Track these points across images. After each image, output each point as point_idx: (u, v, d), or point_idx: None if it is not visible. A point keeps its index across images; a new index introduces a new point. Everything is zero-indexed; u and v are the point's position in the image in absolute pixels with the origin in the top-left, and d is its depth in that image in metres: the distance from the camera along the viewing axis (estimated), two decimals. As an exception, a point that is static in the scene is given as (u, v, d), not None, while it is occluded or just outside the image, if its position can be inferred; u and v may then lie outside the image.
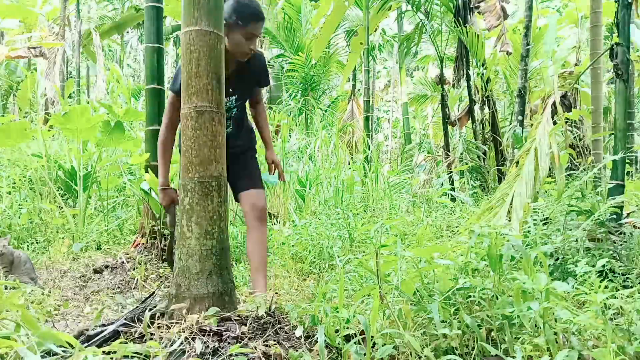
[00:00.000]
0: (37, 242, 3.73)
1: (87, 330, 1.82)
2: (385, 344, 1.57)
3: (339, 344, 1.63)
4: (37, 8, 9.91)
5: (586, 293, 1.56)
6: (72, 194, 4.53)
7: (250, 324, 1.84)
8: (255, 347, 1.64)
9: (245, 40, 2.23)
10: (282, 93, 11.07)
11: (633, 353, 1.45)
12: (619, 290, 1.91)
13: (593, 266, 1.86)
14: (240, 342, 1.72)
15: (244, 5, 2.22)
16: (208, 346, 1.65)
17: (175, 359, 1.60)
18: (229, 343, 1.69)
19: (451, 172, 7.07)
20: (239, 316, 1.86)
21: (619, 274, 2.24)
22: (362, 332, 1.60)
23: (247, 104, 2.57)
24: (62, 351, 1.46)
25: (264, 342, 1.71)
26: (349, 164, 6.74)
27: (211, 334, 1.72)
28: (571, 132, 6.83)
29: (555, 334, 1.51)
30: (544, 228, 2.82)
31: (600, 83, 6.01)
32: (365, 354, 1.50)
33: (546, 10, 10.83)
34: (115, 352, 1.47)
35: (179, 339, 1.67)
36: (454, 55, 7.31)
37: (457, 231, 3.76)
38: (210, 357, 1.60)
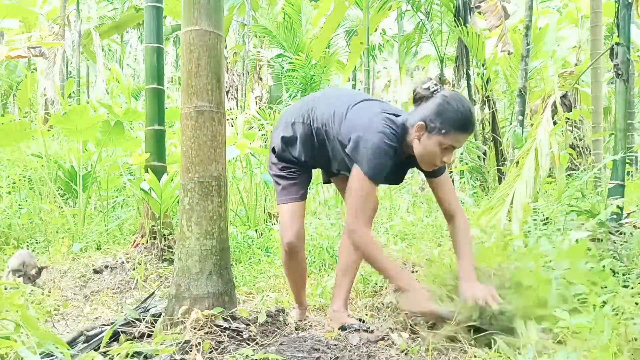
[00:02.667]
0: (37, 242, 3.73)
1: (87, 330, 1.82)
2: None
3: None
4: (37, 8, 9.90)
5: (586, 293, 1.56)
6: (72, 194, 4.53)
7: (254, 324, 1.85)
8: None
9: (440, 151, 1.80)
10: (282, 93, 11.06)
11: (632, 353, 1.45)
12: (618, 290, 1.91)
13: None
14: (253, 342, 1.73)
15: (459, 111, 1.76)
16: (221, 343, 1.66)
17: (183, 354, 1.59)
18: (242, 340, 1.71)
19: (451, 172, 7.06)
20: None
21: (619, 274, 2.24)
22: None
23: None
24: (60, 352, 1.46)
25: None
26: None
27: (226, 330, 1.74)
28: (571, 132, 6.83)
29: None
30: (544, 228, 2.82)
31: (600, 83, 6.01)
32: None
33: (546, 10, 10.82)
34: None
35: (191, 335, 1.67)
36: (454, 55, 7.31)
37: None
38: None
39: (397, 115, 1.90)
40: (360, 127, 1.83)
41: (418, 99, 1.87)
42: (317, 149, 2.03)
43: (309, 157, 2.05)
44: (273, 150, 2.11)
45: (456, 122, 1.76)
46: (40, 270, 2.77)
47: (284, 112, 2.18)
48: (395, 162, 1.87)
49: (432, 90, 1.83)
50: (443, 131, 1.77)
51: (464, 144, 1.93)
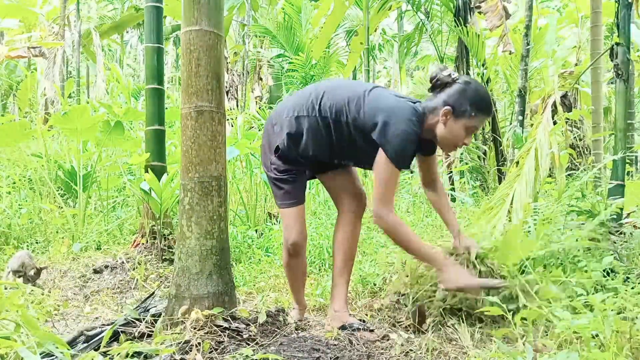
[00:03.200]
0: (37, 242, 3.73)
1: (87, 330, 1.82)
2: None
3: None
4: (37, 8, 9.90)
5: (587, 293, 1.56)
6: (72, 194, 4.53)
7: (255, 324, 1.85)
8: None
9: (465, 134, 1.91)
10: (282, 93, 11.06)
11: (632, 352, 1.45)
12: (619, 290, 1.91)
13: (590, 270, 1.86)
14: (253, 342, 1.73)
15: (483, 96, 1.90)
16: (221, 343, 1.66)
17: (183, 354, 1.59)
18: (242, 340, 1.71)
19: (451, 172, 7.06)
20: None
21: (619, 274, 2.24)
22: None
23: None
24: (60, 352, 1.45)
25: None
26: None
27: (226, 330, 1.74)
28: (571, 132, 6.83)
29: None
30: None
31: (600, 83, 6.01)
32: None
33: (546, 10, 10.82)
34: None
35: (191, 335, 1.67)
36: (454, 55, 7.30)
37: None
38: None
39: (413, 102, 1.95)
40: (387, 110, 1.85)
41: (439, 86, 1.92)
42: (325, 140, 1.98)
43: (316, 150, 1.99)
44: (277, 149, 2.01)
45: (481, 106, 1.88)
46: (39, 271, 2.77)
47: (280, 109, 2.08)
48: (416, 147, 1.92)
49: (453, 77, 1.90)
50: (472, 114, 1.85)
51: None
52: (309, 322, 2.23)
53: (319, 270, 3.13)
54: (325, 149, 2.01)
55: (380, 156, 1.86)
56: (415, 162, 2.16)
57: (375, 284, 2.62)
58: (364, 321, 2.12)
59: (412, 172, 7.22)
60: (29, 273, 2.71)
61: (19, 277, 2.71)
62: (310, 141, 1.97)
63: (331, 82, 2.15)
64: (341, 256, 2.15)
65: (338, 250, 2.17)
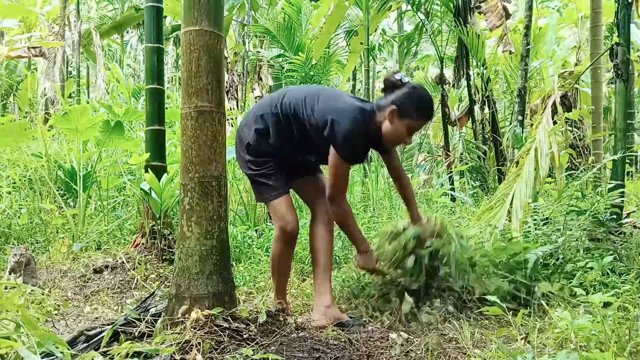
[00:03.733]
0: (37, 242, 3.73)
1: (87, 330, 1.82)
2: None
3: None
4: (37, 8, 9.90)
5: (587, 292, 1.56)
6: (72, 194, 4.53)
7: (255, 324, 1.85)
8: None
9: (407, 134, 2.10)
10: (282, 93, 11.04)
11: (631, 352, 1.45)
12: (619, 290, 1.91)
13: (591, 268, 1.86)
14: (253, 342, 1.73)
15: (426, 100, 2.10)
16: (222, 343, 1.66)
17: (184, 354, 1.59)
18: (242, 340, 1.71)
19: (451, 172, 7.07)
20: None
21: (618, 273, 2.24)
22: None
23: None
24: (60, 352, 1.46)
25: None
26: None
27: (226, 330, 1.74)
28: (571, 132, 6.83)
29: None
30: (543, 228, 2.82)
31: (600, 83, 6.01)
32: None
33: (546, 10, 10.82)
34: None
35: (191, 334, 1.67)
36: (454, 55, 7.31)
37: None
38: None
39: (364, 101, 2.16)
40: (335, 111, 2.04)
41: (388, 87, 2.12)
42: (288, 135, 2.14)
43: (283, 144, 2.15)
44: (247, 145, 2.15)
45: (425, 110, 2.10)
46: (22, 257, 2.78)
47: (249, 110, 2.29)
48: (368, 142, 2.12)
49: (403, 81, 2.10)
50: (414, 116, 2.05)
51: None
52: (309, 322, 2.23)
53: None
54: (289, 143, 2.16)
55: (332, 151, 2.04)
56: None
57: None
58: (352, 317, 2.20)
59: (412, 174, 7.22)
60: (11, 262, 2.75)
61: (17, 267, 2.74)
62: (276, 135, 2.14)
63: (299, 86, 2.34)
64: (323, 252, 2.26)
65: (320, 247, 2.27)
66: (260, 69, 11.18)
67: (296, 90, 2.22)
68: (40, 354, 1.38)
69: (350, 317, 2.18)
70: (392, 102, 2.05)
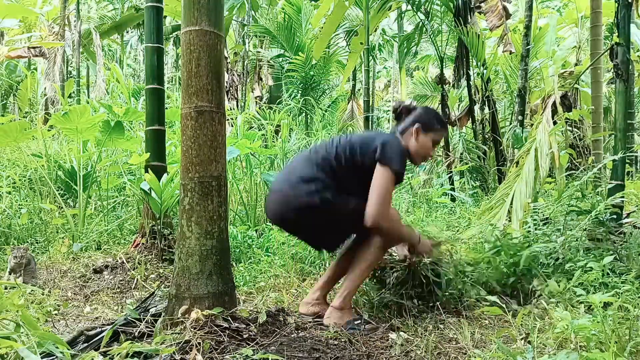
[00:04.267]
0: (37, 242, 3.73)
1: (87, 330, 1.82)
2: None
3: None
4: (37, 8, 9.91)
5: (587, 292, 1.56)
6: (72, 194, 4.53)
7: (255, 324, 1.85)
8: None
9: (433, 146, 2.28)
10: (282, 93, 11.06)
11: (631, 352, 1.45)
12: (619, 290, 1.91)
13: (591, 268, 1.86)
14: (253, 342, 1.73)
15: (440, 115, 2.39)
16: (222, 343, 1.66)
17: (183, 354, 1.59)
18: (242, 340, 1.71)
19: (451, 172, 7.07)
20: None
21: (618, 273, 2.24)
22: None
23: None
24: (60, 352, 1.46)
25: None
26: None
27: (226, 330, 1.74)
28: (571, 132, 6.83)
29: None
30: (543, 228, 2.82)
31: (600, 83, 6.00)
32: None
33: (546, 10, 10.82)
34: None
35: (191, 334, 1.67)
36: (454, 55, 7.30)
37: (458, 231, 3.76)
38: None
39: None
40: (379, 138, 2.15)
41: (401, 113, 2.32)
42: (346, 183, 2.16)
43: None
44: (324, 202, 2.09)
45: (442, 121, 2.33)
46: (22, 258, 2.78)
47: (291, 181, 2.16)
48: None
49: (413, 105, 2.33)
50: (437, 127, 2.26)
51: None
52: (309, 322, 2.23)
53: (319, 270, 3.13)
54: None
55: (380, 169, 2.08)
56: None
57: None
58: (360, 314, 2.20)
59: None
60: (11, 263, 2.76)
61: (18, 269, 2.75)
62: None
63: (302, 153, 2.35)
64: (366, 264, 2.18)
65: (360, 258, 2.19)
66: (260, 69, 11.18)
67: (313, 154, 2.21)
68: (40, 354, 1.38)
69: (361, 317, 2.18)
70: (413, 121, 2.24)
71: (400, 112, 2.32)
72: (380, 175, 2.08)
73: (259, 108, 9.17)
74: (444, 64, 7.51)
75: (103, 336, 1.66)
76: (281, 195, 2.14)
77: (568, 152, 3.85)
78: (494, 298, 1.79)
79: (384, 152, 2.09)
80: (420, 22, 7.59)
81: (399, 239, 2.28)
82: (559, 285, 2.18)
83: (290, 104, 9.09)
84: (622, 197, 2.87)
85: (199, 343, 1.65)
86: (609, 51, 3.04)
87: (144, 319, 1.91)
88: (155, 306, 2.09)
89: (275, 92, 11.81)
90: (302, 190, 2.07)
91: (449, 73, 8.54)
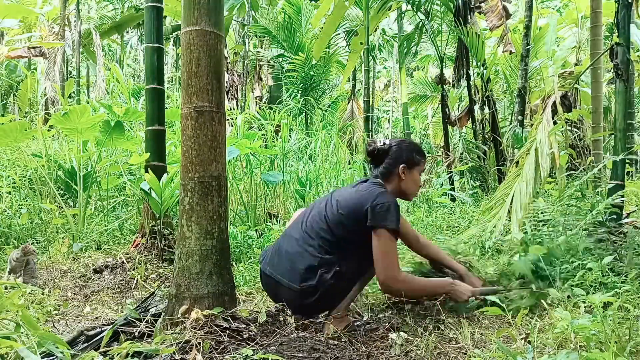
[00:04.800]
0: (37, 242, 3.73)
1: (87, 330, 1.82)
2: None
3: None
4: (37, 8, 9.92)
5: (587, 292, 1.56)
6: (72, 194, 4.53)
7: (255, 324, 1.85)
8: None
9: (419, 178, 2.24)
10: (282, 93, 11.06)
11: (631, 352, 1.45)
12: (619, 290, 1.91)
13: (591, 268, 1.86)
14: (253, 342, 1.73)
15: (416, 144, 2.30)
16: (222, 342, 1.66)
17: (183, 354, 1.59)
18: (242, 340, 1.71)
19: (451, 172, 7.07)
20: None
21: (618, 273, 2.24)
22: None
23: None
24: (60, 352, 1.46)
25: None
26: (349, 163, 6.74)
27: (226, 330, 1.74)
28: (571, 132, 6.83)
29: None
30: (543, 228, 2.82)
31: (600, 83, 6.01)
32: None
33: (546, 10, 10.83)
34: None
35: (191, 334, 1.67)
36: (454, 55, 7.30)
37: (457, 231, 3.76)
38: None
39: (366, 181, 2.20)
40: (366, 198, 2.03)
41: (378, 154, 2.21)
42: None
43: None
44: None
45: (421, 151, 2.26)
46: (24, 257, 2.78)
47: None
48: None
49: (387, 144, 2.22)
50: (418, 160, 2.22)
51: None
52: (309, 322, 2.22)
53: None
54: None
55: (377, 235, 1.99)
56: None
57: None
58: (362, 316, 2.21)
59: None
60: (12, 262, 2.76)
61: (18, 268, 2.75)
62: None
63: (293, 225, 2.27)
64: (362, 281, 2.16)
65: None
66: (260, 69, 11.19)
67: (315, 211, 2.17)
68: (40, 354, 1.38)
69: (361, 318, 2.20)
70: (395, 163, 2.16)
71: (376, 154, 2.21)
72: (378, 240, 1.99)
73: (259, 108, 9.17)
74: (444, 64, 7.50)
75: (103, 336, 1.66)
76: (285, 290, 2.07)
77: (568, 152, 3.85)
78: (493, 298, 1.79)
79: (375, 217, 1.98)
80: (420, 22, 7.58)
81: (424, 295, 2.18)
82: (559, 287, 2.18)
83: (290, 104, 9.09)
84: (622, 197, 2.87)
85: (199, 343, 1.65)
86: (609, 51, 3.03)
87: (144, 319, 1.91)
88: (155, 306, 2.09)
89: (275, 92, 11.82)
90: (305, 287, 2.00)
91: (449, 73, 8.54)
